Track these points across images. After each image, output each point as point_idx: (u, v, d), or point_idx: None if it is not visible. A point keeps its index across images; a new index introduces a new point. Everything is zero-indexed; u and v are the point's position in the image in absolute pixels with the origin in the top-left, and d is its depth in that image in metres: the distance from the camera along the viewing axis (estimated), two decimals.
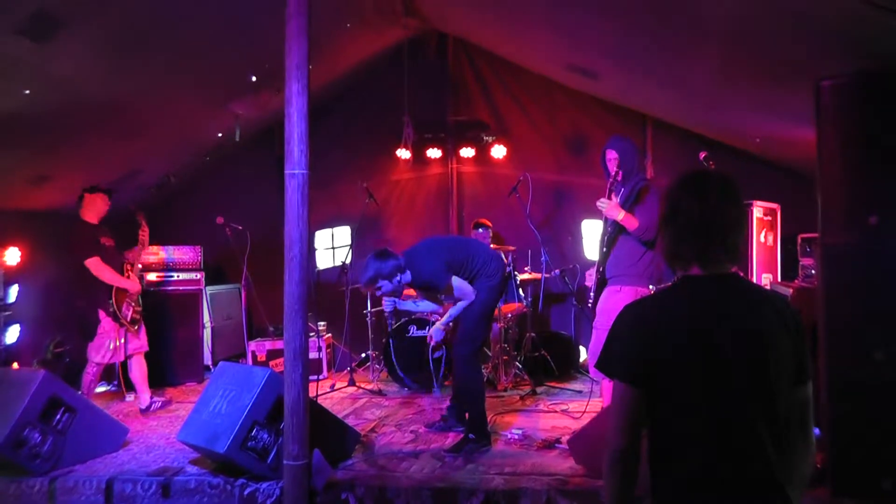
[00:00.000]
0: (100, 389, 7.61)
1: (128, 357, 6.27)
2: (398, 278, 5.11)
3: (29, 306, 7.21)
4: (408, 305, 5.75)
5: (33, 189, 6.93)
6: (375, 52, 8.24)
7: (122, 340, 6.12)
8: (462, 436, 5.20)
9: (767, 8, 4.04)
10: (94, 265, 5.94)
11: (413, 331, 7.11)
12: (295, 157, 4.13)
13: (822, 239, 4.04)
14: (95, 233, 6.10)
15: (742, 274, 2.10)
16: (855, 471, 3.91)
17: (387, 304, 5.60)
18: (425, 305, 5.67)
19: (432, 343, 5.66)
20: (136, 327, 6.26)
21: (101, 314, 6.03)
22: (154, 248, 7.62)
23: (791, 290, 5.33)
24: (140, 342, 6.33)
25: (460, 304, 5.26)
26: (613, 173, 4.83)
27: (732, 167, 6.79)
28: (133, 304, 6.22)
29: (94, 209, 6.18)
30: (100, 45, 5.26)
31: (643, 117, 8.11)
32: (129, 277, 6.21)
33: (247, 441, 4.43)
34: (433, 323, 5.60)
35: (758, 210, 6.90)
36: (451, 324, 5.52)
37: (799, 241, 6.88)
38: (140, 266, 6.49)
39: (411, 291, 5.70)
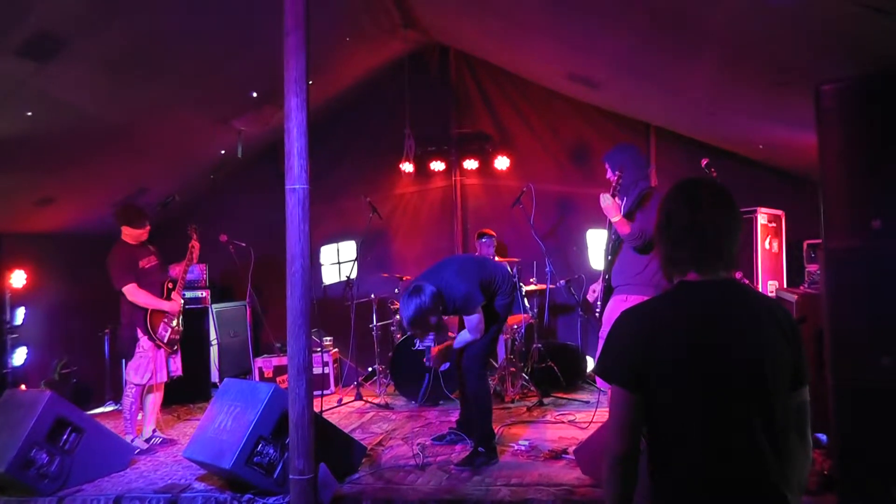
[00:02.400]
0: (107, 409, 7.63)
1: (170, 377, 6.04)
2: (440, 307, 4.98)
3: (35, 328, 7.24)
4: (461, 342, 5.44)
5: (38, 211, 6.96)
6: (377, 66, 8.27)
7: (162, 361, 5.90)
8: (471, 449, 5.18)
9: (766, 13, 4.04)
10: (130, 292, 5.72)
11: (419, 344, 7.10)
12: (295, 172, 4.15)
13: (825, 243, 4.02)
14: (133, 255, 5.87)
15: (746, 280, 2.09)
16: (862, 477, 3.87)
17: (424, 342, 5.46)
18: (460, 340, 5.35)
19: (431, 365, 5.57)
20: (174, 348, 6.02)
21: (140, 333, 5.81)
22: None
23: (797, 297, 5.30)
24: (175, 365, 6.08)
25: (466, 337, 5.23)
26: (617, 178, 4.83)
27: (736, 174, 6.82)
28: (171, 325, 5.95)
29: (133, 233, 5.93)
30: (101, 65, 5.28)
31: (646, 126, 8.11)
32: (169, 298, 5.96)
33: (252, 456, 4.43)
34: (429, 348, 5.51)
35: (762, 217, 6.88)
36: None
37: (804, 247, 6.86)
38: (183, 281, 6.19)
39: None
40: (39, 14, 4.44)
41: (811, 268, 6.99)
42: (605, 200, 4.69)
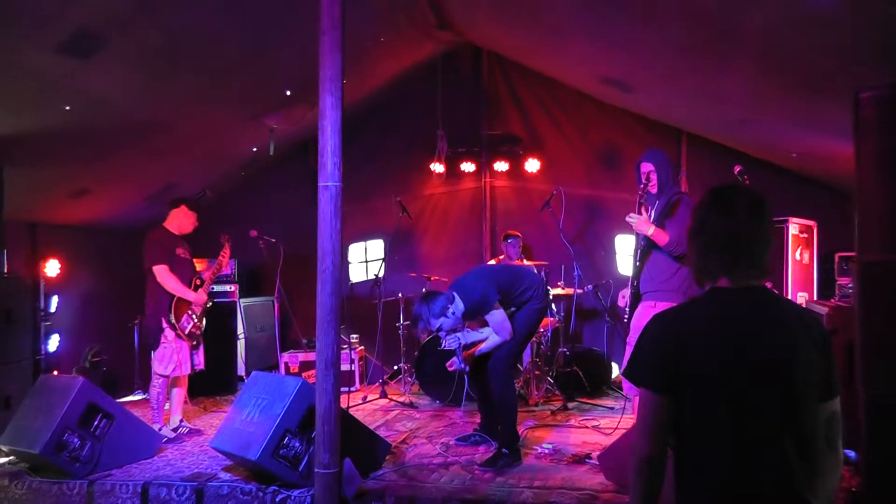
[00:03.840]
0: (135, 398, 7.74)
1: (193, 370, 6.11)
2: (451, 310, 5.12)
3: (68, 316, 7.38)
4: (473, 336, 5.53)
5: (72, 203, 7.10)
6: (410, 66, 8.31)
7: (186, 354, 5.96)
8: (495, 450, 5.19)
9: (801, 19, 4.02)
10: (161, 272, 5.81)
11: (445, 344, 7.10)
12: (328, 169, 4.18)
13: (859, 256, 3.95)
14: (172, 242, 5.99)
15: (775, 290, 2.09)
16: (892, 496, 3.82)
17: (450, 343, 5.43)
18: (489, 343, 5.38)
19: (452, 369, 5.60)
20: (195, 342, 6.08)
21: (164, 322, 5.88)
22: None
23: (827, 309, 5.23)
24: (199, 359, 6.16)
25: (495, 340, 5.27)
26: (642, 185, 4.81)
27: (768, 182, 6.75)
28: (195, 317, 6.03)
29: (178, 222, 6.06)
30: (137, 62, 5.39)
31: (678, 132, 8.08)
32: (195, 291, 6.04)
33: (279, 449, 4.47)
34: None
35: (794, 227, 6.81)
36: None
37: (836, 259, 6.78)
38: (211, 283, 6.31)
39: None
40: (79, 13, 4.53)
41: (842, 280, 6.90)
42: (633, 219, 4.67)
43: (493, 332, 5.29)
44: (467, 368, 5.57)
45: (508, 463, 5.01)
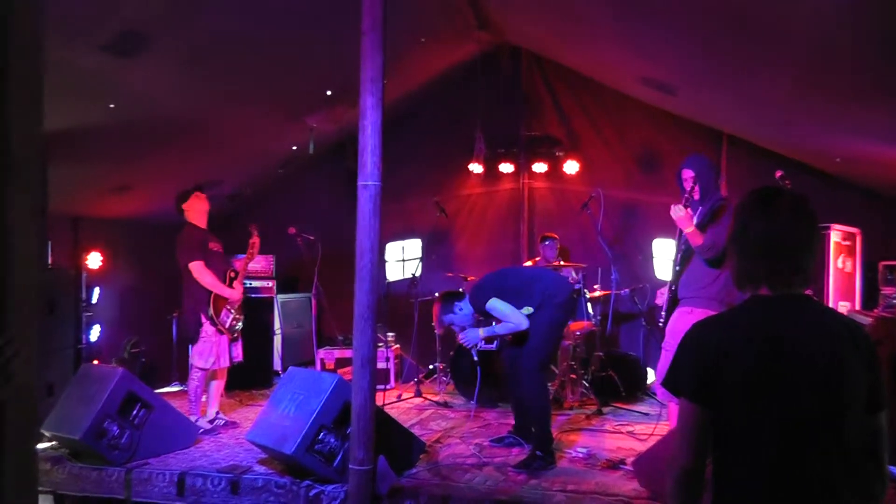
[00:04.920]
0: (172, 389, 7.87)
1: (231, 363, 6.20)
2: (459, 306, 5.49)
3: (108, 308, 7.54)
4: (488, 332, 5.54)
5: (115, 198, 7.25)
6: (449, 67, 8.33)
7: (225, 347, 6.05)
8: (529, 452, 5.19)
9: (851, 21, 3.95)
10: (197, 269, 5.89)
11: (481, 345, 7.12)
12: (368, 168, 4.22)
13: None
14: (204, 237, 6.06)
15: (815, 297, 2.04)
16: None
17: (466, 340, 5.52)
18: (502, 327, 5.46)
19: (465, 343, 5.62)
20: (235, 336, 6.18)
21: (203, 318, 5.96)
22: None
23: (870, 320, 5.14)
24: (237, 352, 6.25)
25: (508, 326, 5.33)
26: (688, 192, 4.77)
27: (810, 188, 6.64)
28: (233, 311, 6.12)
29: (197, 212, 6.12)
30: (181, 61, 5.48)
31: (718, 134, 7.97)
32: (231, 286, 6.13)
33: (314, 444, 4.51)
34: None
35: (836, 234, 6.68)
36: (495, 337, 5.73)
37: (880, 267, 6.66)
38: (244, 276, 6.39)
39: None
40: (125, 13, 4.62)
41: (886, 290, 6.78)
42: (678, 211, 4.64)
43: (504, 322, 5.34)
44: (481, 346, 5.85)
45: (542, 466, 4.99)
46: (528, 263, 7.98)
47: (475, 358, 5.98)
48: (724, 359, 1.90)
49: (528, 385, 5.27)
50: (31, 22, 1.57)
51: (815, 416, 1.84)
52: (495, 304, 5.29)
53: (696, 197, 4.81)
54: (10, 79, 1.49)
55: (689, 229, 4.61)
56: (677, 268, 4.85)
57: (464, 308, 5.49)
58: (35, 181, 1.55)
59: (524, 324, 5.26)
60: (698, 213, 4.80)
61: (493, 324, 5.44)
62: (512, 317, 5.26)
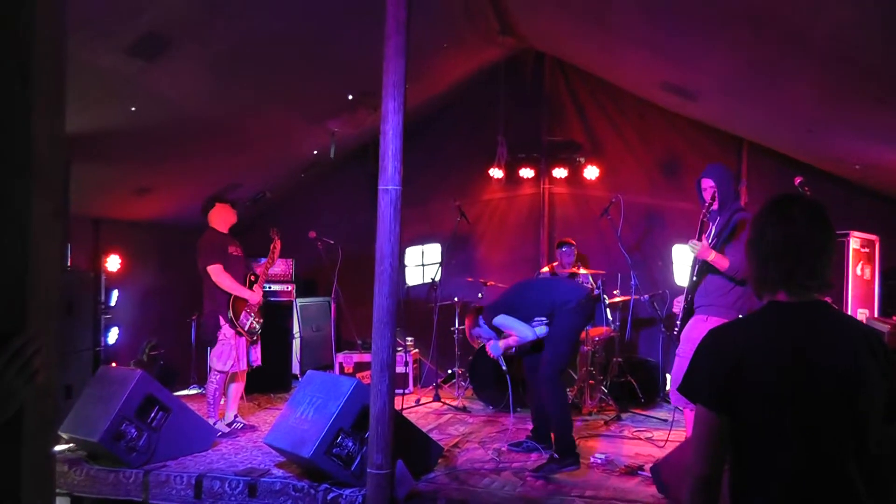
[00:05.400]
0: (191, 392, 7.90)
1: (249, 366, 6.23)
2: (481, 321, 5.74)
3: (127, 311, 7.57)
4: (505, 343, 5.72)
5: (135, 200, 7.28)
6: (471, 71, 8.32)
7: (244, 350, 6.08)
8: (547, 457, 5.17)
9: (876, 27, 3.91)
10: (215, 272, 5.92)
11: (489, 351, 7.10)
12: (389, 173, 4.22)
13: None
14: (224, 241, 6.10)
15: (834, 305, 2.02)
16: None
17: (492, 350, 5.76)
18: (510, 338, 5.65)
19: (491, 355, 5.86)
20: (254, 338, 6.20)
21: (222, 321, 5.99)
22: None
23: (889, 327, 5.10)
24: (256, 355, 6.27)
25: (514, 338, 5.55)
26: (707, 204, 4.74)
27: (829, 194, 6.60)
28: (252, 314, 6.13)
29: (222, 218, 6.18)
30: (203, 64, 5.50)
31: (739, 141, 7.93)
32: (251, 289, 6.14)
33: (332, 448, 4.52)
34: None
35: (855, 241, 6.63)
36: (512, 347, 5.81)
37: None
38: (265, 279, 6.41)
39: None
40: (149, 16, 4.64)
41: None
42: (695, 247, 4.67)
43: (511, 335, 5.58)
44: (501, 360, 5.95)
45: (559, 468, 4.99)
46: (546, 269, 7.95)
47: (503, 367, 6.05)
48: (742, 365, 1.88)
49: (548, 393, 5.29)
50: (54, 26, 1.59)
51: (833, 425, 1.82)
52: (502, 320, 5.51)
53: (716, 207, 4.78)
54: (33, 83, 1.50)
55: (711, 257, 4.60)
56: (694, 278, 4.83)
57: (483, 324, 5.75)
58: (57, 183, 1.56)
59: (529, 335, 5.41)
60: (716, 223, 4.78)
61: (507, 337, 5.65)
62: (516, 329, 5.46)
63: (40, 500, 1.54)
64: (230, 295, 5.98)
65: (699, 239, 4.70)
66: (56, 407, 1.62)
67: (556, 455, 5.06)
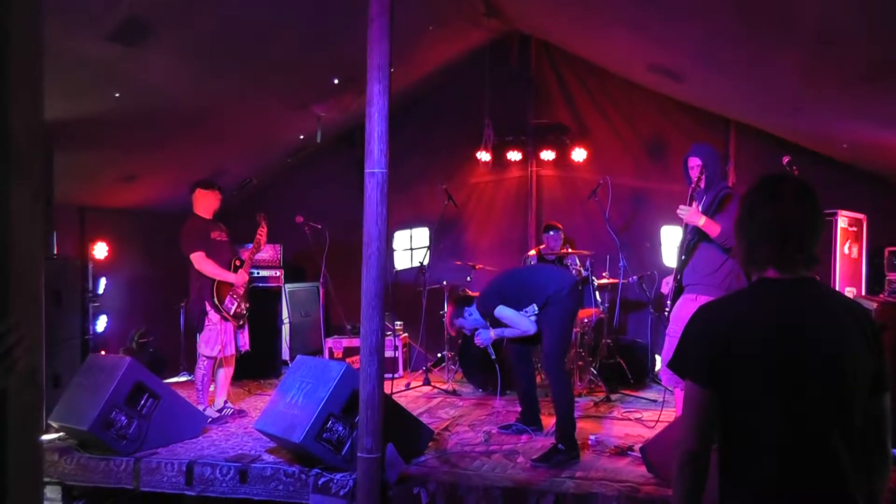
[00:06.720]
0: (180, 379, 7.88)
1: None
2: (469, 311, 5.67)
3: (115, 298, 7.54)
4: (498, 333, 5.63)
5: (120, 187, 7.25)
6: (457, 55, 8.27)
7: (231, 335, 6.06)
8: (551, 446, 5.12)
9: (860, 6, 3.91)
10: (197, 259, 5.92)
11: (476, 341, 7.10)
12: (375, 156, 4.21)
13: None
14: (206, 227, 6.08)
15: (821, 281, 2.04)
16: None
17: (481, 341, 5.74)
18: (511, 332, 5.55)
19: (480, 344, 5.80)
20: (240, 322, 6.15)
21: (208, 306, 5.98)
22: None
23: (876, 305, 5.13)
24: (244, 340, 6.24)
25: (516, 332, 5.46)
26: (695, 180, 4.74)
27: (817, 174, 6.60)
28: (238, 298, 6.10)
29: (206, 204, 6.14)
30: (186, 50, 5.45)
31: (726, 121, 7.94)
32: (235, 272, 6.11)
33: (322, 432, 4.52)
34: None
35: (842, 220, 6.67)
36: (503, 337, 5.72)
37: (886, 253, 6.66)
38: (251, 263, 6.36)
39: None
40: (131, 1, 4.58)
41: (893, 276, 6.78)
42: (684, 211, 4.64)
43: (513, 328, 5.46)
44: (490, 350, 5.97)
45: (565, 460, 4.91)
46: (532, 252, 7.95)
47: (493, 356, 6.08)
48: (732, 341, 1.91)
49: (555, 384, 5.24)
50: (30, 14, 1.56)
51: (820, 398, 1.85)
52: (503, 312, 5.41)
53: (703, 186, 4.77)
54: (9, 70, 1.48)
55: (701, 221, 4.58)
56: (683, 258, 4.83)
57: (473, 313, 5.65)
58: (36, 169, 1.54)
59: (531, 329, 5.37)
60: (703, 201, 4.78)
61: (503, 328, 5.53)
62: (520, 323, 5.38)
63: (28, 489, 1.53)
64: (214, 280, 5.97)
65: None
66: (42, 395, 1.60)
67: (560, 447, 5.01)
